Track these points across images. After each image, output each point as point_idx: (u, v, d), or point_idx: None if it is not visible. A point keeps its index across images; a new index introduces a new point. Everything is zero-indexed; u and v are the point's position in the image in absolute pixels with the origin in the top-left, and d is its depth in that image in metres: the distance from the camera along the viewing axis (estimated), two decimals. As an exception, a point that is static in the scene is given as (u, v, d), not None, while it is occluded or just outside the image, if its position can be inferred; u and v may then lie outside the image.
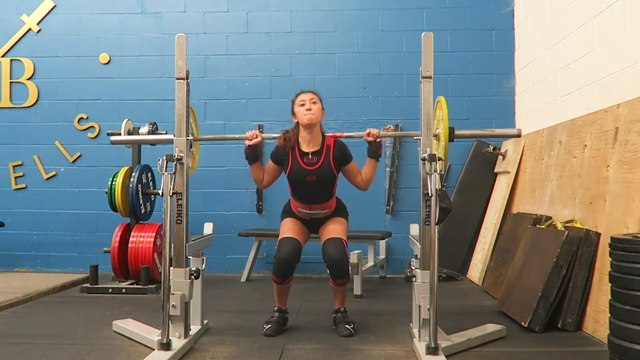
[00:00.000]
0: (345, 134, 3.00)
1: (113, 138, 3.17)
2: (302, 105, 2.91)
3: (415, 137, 2.78)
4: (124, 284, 4.14)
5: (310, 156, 2.93)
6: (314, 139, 2.95)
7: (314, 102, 2.91)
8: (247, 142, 2.92)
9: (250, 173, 3.03)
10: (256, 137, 2.90)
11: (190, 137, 2.81)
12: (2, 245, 5.09)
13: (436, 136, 2.67)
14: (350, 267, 3.41)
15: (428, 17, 5.02)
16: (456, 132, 2.64)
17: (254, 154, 2.97)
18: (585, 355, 2.56)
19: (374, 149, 2.93)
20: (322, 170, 2.92)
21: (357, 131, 5.02)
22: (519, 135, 2.93)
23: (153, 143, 4.53)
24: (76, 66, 5.17)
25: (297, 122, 2.96)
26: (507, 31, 4.98)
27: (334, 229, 2.97)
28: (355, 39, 5.09)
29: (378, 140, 2.91)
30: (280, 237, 2.96)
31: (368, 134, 2.89)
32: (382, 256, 4.75)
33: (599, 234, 2.92)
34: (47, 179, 5.16)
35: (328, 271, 2.93)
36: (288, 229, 3.00)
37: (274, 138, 3.01)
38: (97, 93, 5.16)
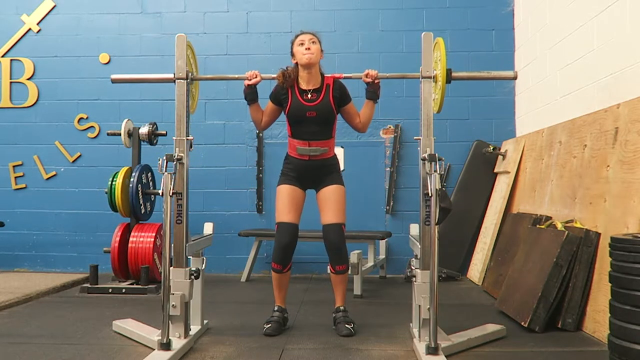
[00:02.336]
0: (344, 75, 2.97)
1: (114, 77, 3.11)
2: (302, 44, 2.92)
3: (415, 138, 2.78)
4: (124, 284, 4.14)
5: (310, 94, 2.95)
6: (313, 78, 2.96)
7: (313, 42, 2.92)
8: (247, 82, 2.96)
9: (250, 115, 3.06)
10: (255, 77, 2.95)
11: (191, 137, 2.80)
12: (2, 245, 5.09)
13: (433, 77, 2.66)
14: (350, 267, 3.41)
15: (428, 17, 5.02)
16: (453, 74, 2.64)
17: (253, 94, 3.00)
18: (585, 355, 2.56)
19: (372, 90, 2.95)
20: (322, 106, 2.93)
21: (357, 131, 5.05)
22: (515, 78, 2.89)
23: (152, 142, 4.51)
24: (76, 66, 5.17)
25: (297, 63, 2.97)
26: (507, 31, 4.98)
27: (334, 206, 2.97)
28: (355, 39, 5.09)
29: (376, 81, 2.92)
30: (277, 220, 2.98)
31: (366, 75, 2.90)
32: (382, 256, 4.75)
33: (599, 234, 2.92)
34: (47, 179, 5.16)
35: (328, 256, 2.96)
36: (283, 205, 2.98)
37: (274, 78, 3.01)
38: (97, 93, 5.16)
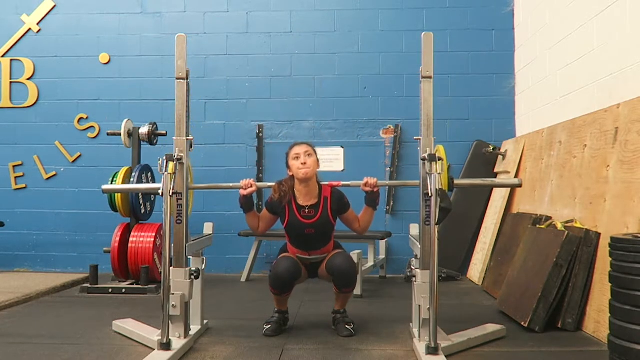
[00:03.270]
0: (342, 183, 2.91)
1: (105, 187, 3.15)
2: (297, 158, 2.85)
3: (415, 137, 2.78)
4: (124, 284, 4.14)
5: (307, 210, 2.89)
6: (310, 191, 2.90)
7: (309, 155, 2.85)
8: (242, 192, 2.85)
9: (246, 221, 2.99)
10: (251, 187, 2.84)
11: (191, 137, 2.80)
12: (2, 245, 5.10)
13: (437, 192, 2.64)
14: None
15: (428, 17, 5.02)
16: (455, 182, 2.65)
17: (249, 203, 2.90)
18: (585, 355, 2.56)
19: (372, 198, 2.89)
20: (321, 223, 2.88)
21: (356, 130, 5.05)
22: (520, 185, 2.90)
23: (152, 142, 4.51)
24: (76, 66, 5.17)
25: (292, 175, 2.90)
26: (507, 31, 4.98)
27: (338, 252, 2.96)
28: (355, 39, 5.09)
29: (375, 189, 2.85)
30: (280, 256, 2.96)
31: (365, 184, 2.83)
32: (382, 256, 4.75)
33: (599, 234, 2.92)
34: (47, 179, 5.16)
35: (333, 281, 2.88)
36: (287, 255, 2.98)
37: (269, 187, 2.97)
38: (97, 93, 5.16)
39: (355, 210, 3.01)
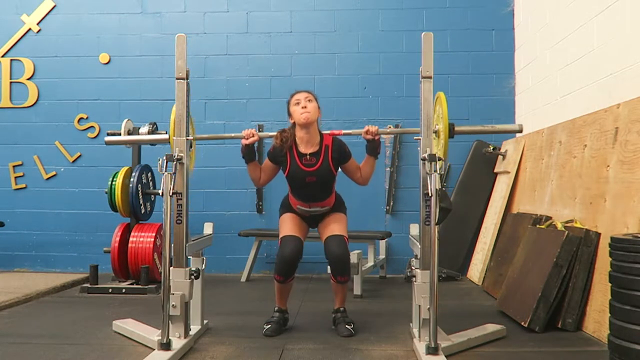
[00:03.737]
0: (344, 131, 2.96)
1: (108, 139, 3.16)
2: (298, 104, 2.89)
3: (415, 137, 2.78)
4: (124, 284, 4.14)
5: (308, 157, 2.91)
6: (311, 138, 2.93)
7: (309, 101, 2.89)
8: (244, 141, 2.90)
9: (248, 172, 3.04)
10: (253, 136, 2.88)
11: (190, 137, 2.81)
12: (2, 245, 5.09)
13: (436, 132, 2.67)
14: (350, 267, 3.41)
15: (428, 17, 5.02)
16: (456, 129, 2.65)
17: (251, 152, 2.96)
18: (585, 355, 2.56)
19: (373, 147, 2.91)
20: (322, 171, 2.91)
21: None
22: (520, 131, 2.92)
23: (153, 143, 4.53)
24: (76, 66, 5.17)
25: (294, 122, 2.93)
26: (507, 31, 4.98)
27: (334, 226, 2.97)
28: (355, 39, 5.09)
29: (377, 137, 2.88)
30: (281, 236, 2.96)
31: (366, 132, 2.86)
32: (382, 256, 4.75)
33: (599, 234, 2.92)
34: (47, 179, 5.16)
35: (329, 268, 2.93)
36: (288, 226, 2.99)
37: (271, 136, 3.00)
38: (97, 93, 5.16)
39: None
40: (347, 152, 2.98)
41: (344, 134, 2.95)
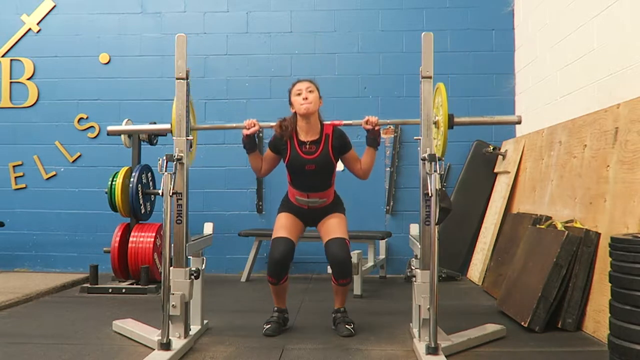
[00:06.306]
0: (344, 122, 2.95)
1: (110, 128, 3.13)
2: (299, 94, 2.89)
3: (415, 137, 2.78)
4: (124, 284, 4.14)
5: (308, 145, 2.92)
6: (312, 128, 2.93)
7: (310, 91, 2.89)
8: (245, 131, 2.91)
9: (249, 163, 3.04)
10: (254, 126, 2.89)
11: (191, 137, 2.81)
12: (2, 245, 5.09)
13: (435, 123, 2.66)
14: (352, 269, 3.41)
15: (428, 17, 5.02)
16: (455, 119, 2.65)
17: (252, 142, 2.97)
18: (585, 355, 2.56)
19: (373, 137, 2.91)
20: (321, 159, 2.91)
21: (356, 130, 5.04)
22: (519, 122, 2.91)
23: (152, 142, 4.53)
24: (76, 66, 5.17)
25: (295, 112, 2.94)
26: (507, 31, 4.98)
27: (335, 228, 2.96)
28: (355, 39, 5.09)
29: (377, 128, 2.88)
30: (273, 237, 2.95)
31: (366, 122, 2.85)
32: (382, 256, 4.75)
33: (599, 234, 2.92)
34: (47, 179, 5.16)
35: (331, 271, 2.92)
36: (281, 226, 2.98)
37: (272, 127, 2.99)
38: (97, 93, 5.16)
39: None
40: (348, 142, 2.98)
41: (345, 125, 2.95)
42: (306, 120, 2.91)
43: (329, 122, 2.98)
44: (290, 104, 2.96)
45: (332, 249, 2.86)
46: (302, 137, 2.93)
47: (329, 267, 2.96)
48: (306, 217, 3.05)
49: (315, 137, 2.93)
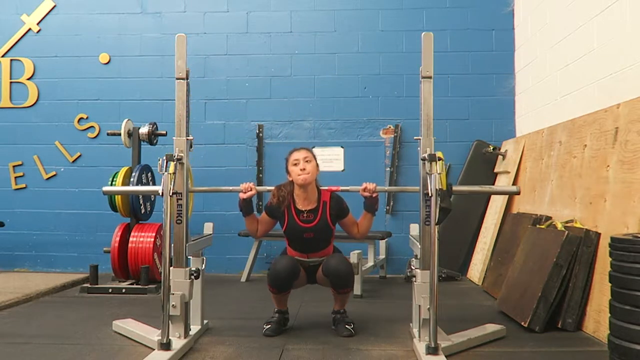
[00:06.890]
0: (341, 187, 2.91)
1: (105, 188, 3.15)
2: (296, 164, 2.85)
3: (415, 137, 2.78)
4: (124, 284, 4.14)
5: (306, 214, 2.89)
6: (309, 196, 2.90)
7: (307, 161, 2.85)
8: (242, 195, 2.85)
9: (245, 226, 2.98)
10: (250, 190, 2.84)
11: (191, 137, 2.80)
12: (2, 245, 5.09)
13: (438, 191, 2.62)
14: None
15: (428, 17, 5.02)
16: (454, 188, 2.60)
17: (248, 206, 2.90)
18: (585, 355, 2.56)
19: (370, 204, 2.88)
20: (319, 227, 2.89)
21: (356, 130, 5.05)
22: (518, 193, 2.84)
23: (152, 142, 4.52)
24: (76, 66, 5.17)
25: (292, 180, 2.90)
26: (507, 31, 4.98)
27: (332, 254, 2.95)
28: (355, 39, 5.09)
29: (374, 195, 2.85)
30: (281, 254, 2.96)
31: (364, 189, 2.82)
32: (382, 256, 4.74)
33: (599, 234, 2.92)
34: (47, 179, 5.16)
35: (330, 283, 2.88)
36: (288, 255, 2.98)
37: (268, 191, 2.97)
38: (97, 93, 5.16)
39: (355, 217, 3.01)
40: (345, 208, 2.96)
41: (342, 190, 2.91)
42: (303, 189, 2.88)
43: (325, 188, 2.95)
44: (287, 172, 2.92)
45: (331, 263, 2.84)
46: (300, 206, 2.91)
47: None
48: (307, 271, 3.00)
49: (313, 205, 2.91)
